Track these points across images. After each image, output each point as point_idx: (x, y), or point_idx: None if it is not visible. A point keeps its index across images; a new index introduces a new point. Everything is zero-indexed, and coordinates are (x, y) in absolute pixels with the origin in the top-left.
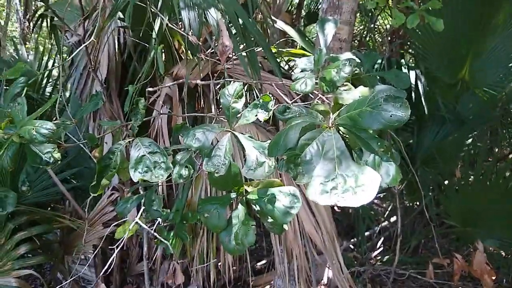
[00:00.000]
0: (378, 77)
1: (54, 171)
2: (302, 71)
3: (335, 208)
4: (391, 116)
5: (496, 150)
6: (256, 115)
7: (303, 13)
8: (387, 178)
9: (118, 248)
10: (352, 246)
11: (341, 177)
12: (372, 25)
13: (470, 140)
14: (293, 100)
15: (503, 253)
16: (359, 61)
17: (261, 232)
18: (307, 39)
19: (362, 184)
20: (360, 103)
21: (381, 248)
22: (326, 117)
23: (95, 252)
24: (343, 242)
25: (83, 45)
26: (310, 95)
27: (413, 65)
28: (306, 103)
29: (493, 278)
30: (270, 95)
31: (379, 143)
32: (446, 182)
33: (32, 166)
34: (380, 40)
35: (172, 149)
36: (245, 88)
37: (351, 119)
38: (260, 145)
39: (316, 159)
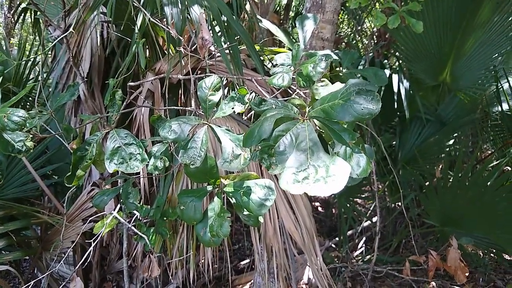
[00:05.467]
0: (358, 75)
1: (34, 167)
2: (280, 65)
3: (319, 208)
4: (362, 108)
5: (476, 151)
6: (233, 108)
7: (292, 14)
8: (358, 169)
9: (96, 242)
10: (334, 246)
11: (312, 168)
12: (359, 27)
13: (451, 142)
14: (273, 95)
15: (480, 253)
16: (336, 57)
17: (244, 232)
18: (292, 39)
19: (333, 174)
20: (333, 96)
21: (363, 248)
22: (302, 110)
23: (71, 247)
24: (326, 241)
25: (60, 36)
26: (290, 91)
27: (397, 68)
28: (286, 98)
29: (467, 274)
30: (251, 91)
31: (350, 135)
32: (427, 182)
33: (5, 154)
34: (367, 42)
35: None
36: (228, 85)
37: (324, 112)
38: (236, 137)
39: (289, 150)
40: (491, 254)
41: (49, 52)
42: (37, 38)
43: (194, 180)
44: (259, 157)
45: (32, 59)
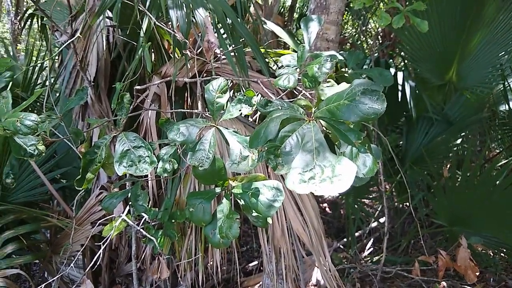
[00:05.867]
0: (363, 75)
1: (43, 171)
2: (286, 67)
3: (327, 209)
4: (367, 108)
5: (484, 150)
6: (240, 110)
7: (296, 15)
8: (364, 168)
9: (105, 245)
10: (342, 247)
11: (318, 168)
12: (364, 28)
13: (459, 141)
14: (279, 97)
15: (491, 253)
16: (341, 58)
17: (252, 233)
18: (297, 40)
19: (339, 174)
20: (338, 96)
21: (371, 249)
22: (308, 111)
23: (81, 250)
24: (334, 242)
25: (68, 41)
26: (296, 92)
27: (403, 67)
28: (292, 99)
29: (477, 274)
30: (257, 93)
31: (356, 135)
32: (434, 182)
33: (17, 158)
34: (371, 42)
35: (159, 144)
36: (234, 88)
37: (330, 112)
38: (244, 139)
39: (296, 150)
40: (501, 254)
41: (56, 57)
42: (44, 43)
43: (202, 182)
44: (266, 157)
45: (39, 65)
